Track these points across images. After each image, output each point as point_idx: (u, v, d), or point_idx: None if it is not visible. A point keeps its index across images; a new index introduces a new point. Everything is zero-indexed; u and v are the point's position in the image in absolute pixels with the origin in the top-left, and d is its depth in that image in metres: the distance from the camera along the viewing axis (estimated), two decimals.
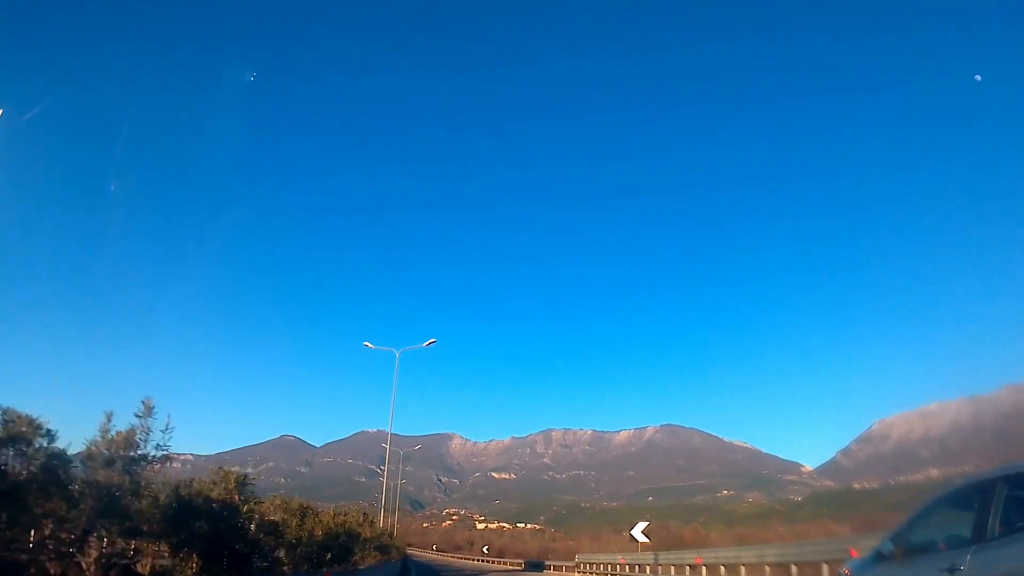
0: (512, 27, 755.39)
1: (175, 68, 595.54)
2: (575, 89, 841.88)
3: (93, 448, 7.82)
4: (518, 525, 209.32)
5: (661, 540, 48.25)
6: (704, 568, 27.86)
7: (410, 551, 77.49)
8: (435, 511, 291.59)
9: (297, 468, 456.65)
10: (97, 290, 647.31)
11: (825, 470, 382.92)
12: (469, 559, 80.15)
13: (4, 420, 6.83)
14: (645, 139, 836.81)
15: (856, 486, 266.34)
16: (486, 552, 75.86)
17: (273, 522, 13.01)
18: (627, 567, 37.99)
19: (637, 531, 37.87)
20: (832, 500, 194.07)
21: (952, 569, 5.11)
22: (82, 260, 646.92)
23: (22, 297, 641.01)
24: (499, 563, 69.09)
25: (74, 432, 7.51)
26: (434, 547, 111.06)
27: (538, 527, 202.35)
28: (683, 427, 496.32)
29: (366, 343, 43.37)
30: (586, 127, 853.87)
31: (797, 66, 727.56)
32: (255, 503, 11.87)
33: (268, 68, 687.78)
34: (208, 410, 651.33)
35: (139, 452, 8.30)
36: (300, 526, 14.90)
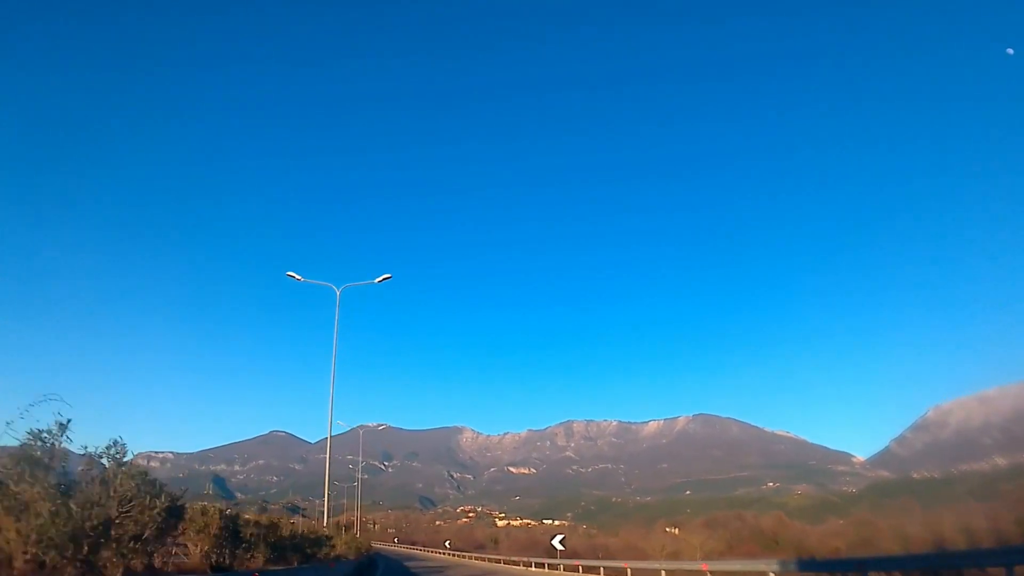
0: (508, 13, 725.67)
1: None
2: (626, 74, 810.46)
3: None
4: (544, 522, 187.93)
5: (736, 533, 37.22)
6: None
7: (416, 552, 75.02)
8: (448, 508, 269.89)
9: (291, 465, 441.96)
10: (63, 283, 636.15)
11: (879, 460, 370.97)
12: (514, 563, 50.72)
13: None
14: (680, 118, 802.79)
15: (916, 476, 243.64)
16: (558, 548, 45.14)
17: None
18: None
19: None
20: (893, 491, 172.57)
21: None
22: (53, 254, 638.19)
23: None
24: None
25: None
26: (447, 543, 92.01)
27: (567, 524, 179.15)
28: (718, 416, 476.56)
29: (291, 274, 34.03)
30: (621, 109, 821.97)
31: (833, 44, 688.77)
32: None
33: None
34: (191, 407, 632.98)
35: None
36: None
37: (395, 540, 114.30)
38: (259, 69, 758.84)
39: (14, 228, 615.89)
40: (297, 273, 33.46)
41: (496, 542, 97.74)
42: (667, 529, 59.88)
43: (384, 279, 35.68)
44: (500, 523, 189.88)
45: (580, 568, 35.37)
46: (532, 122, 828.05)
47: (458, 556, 72.45)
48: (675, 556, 31.73)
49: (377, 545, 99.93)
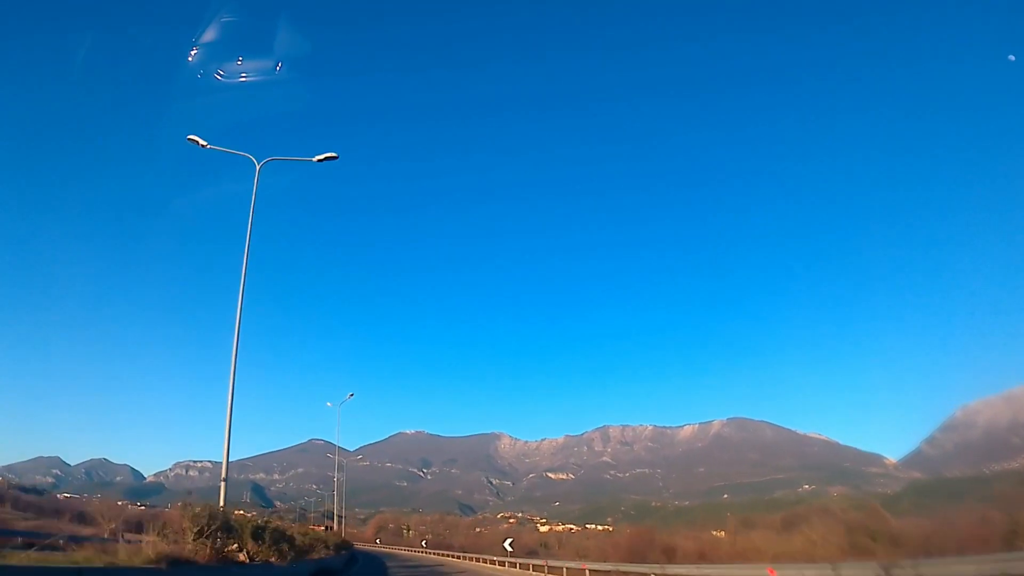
0: (506, 21, 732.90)
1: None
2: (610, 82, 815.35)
3: None
4: (587, 527, 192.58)
5: (828, 530, 28.84)
6: None
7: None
8: (488, 515, 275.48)
9: (330, 473, 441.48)
10: (108, 295, 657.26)
11: (911, 461, 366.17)
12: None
13: None
14: (704, 117, 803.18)
15: (948, 476, 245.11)
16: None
17: None
18: None
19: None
20: (930, 492, 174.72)
21: None
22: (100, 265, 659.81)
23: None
24: None
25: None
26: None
27: (610, 528, 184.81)
28: (752, 420, 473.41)
29: (192, 137, 27.09)
30: (624, 116, 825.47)
31: (834, 44, 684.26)
32: None
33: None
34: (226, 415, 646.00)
35: None
36: None
37: (424, 543, 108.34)
38: None
39: (67, 244, 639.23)
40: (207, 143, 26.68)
41: (547, 546, 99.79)
42: (713, 532, 55.20)
43: (324, 158, 28.82)
44: (542, 528, 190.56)
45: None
46: (580, 128, 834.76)
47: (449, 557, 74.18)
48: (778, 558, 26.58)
49: (397, 550, 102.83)
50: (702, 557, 35.43)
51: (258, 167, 27.68)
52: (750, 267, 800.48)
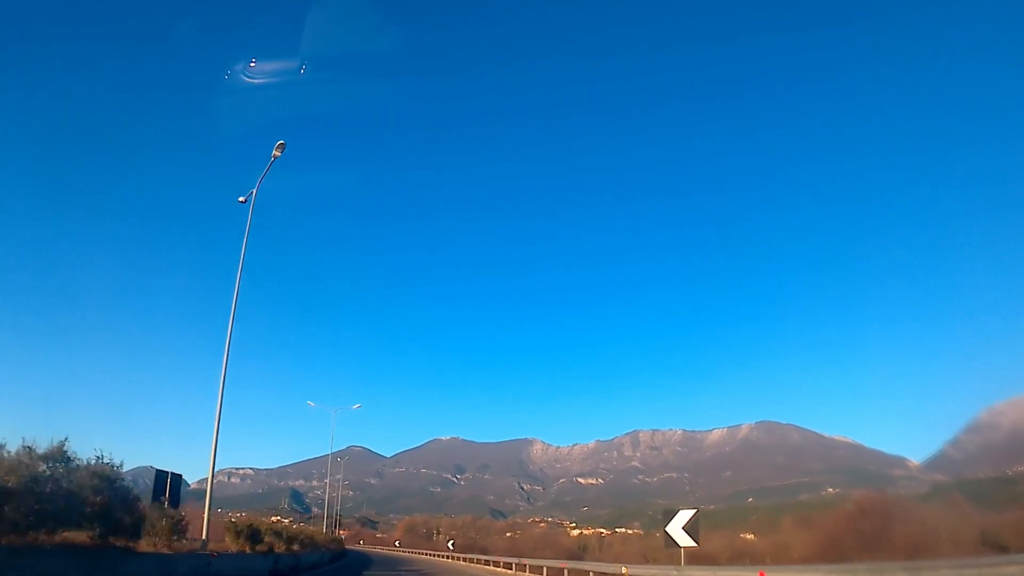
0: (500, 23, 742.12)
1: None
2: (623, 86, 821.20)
3: None
4: (617, 530, 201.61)
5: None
6: None
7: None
8: (519, 520, 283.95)
9: (366, 480, 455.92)
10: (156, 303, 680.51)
11: (933, 463, 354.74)
12: None
13: None
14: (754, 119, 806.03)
15: (970, 477, 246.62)
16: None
17: None
18: None
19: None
20: (956, 494, 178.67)
21: None
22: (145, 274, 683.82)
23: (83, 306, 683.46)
24: None
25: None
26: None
27: (641, 532, 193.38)
28: (779, 423, 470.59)
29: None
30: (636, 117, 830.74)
31: (836, 46, 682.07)
32: None
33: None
34: (270, 424, 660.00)
35: None
36: None
37: (450, 545, 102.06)
38: None
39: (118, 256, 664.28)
40: None
41: (585, 549, 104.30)
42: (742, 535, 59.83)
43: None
44: (573, 533, 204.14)
45: None
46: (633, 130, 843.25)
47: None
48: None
49: (414, 553, 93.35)
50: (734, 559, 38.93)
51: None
52: (780, 271, 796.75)
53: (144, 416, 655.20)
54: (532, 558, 47.13)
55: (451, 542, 49.90)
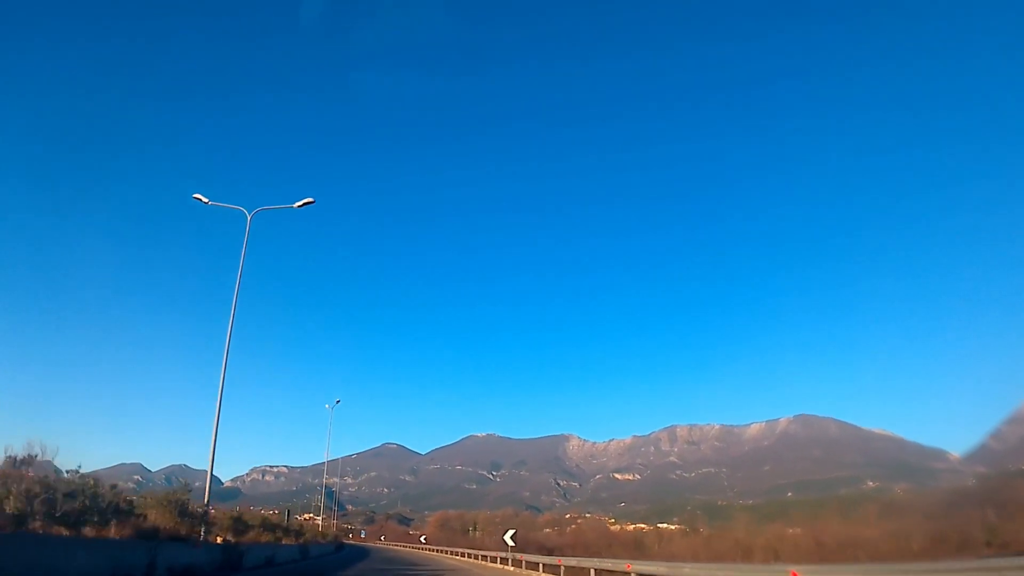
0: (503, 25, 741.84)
1: None
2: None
3: None
4: (659, 526, 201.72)
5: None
6: None
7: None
8: (555, 516, 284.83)
9: (401, 477, 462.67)
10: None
11: (975, 456, 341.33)
12: None
13: None
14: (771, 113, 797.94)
15: (1013, 469, 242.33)
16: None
17: None
18: None
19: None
20: (1003, 486, 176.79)
21: None
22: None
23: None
24: None
25: None
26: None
27: (685, 528, 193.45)
28: (818, 417, 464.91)
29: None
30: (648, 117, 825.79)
31: (836, 46, 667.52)
32: None
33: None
34: (304, 422, 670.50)
35: None
36: None
37: (508, 540, 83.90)
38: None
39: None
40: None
41: (641, 546, 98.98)
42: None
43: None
44: (613, 528, 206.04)
45: None
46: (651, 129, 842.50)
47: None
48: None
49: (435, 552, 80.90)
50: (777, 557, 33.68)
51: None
52: (819, 265, 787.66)
53: (180, 419, 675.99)
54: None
55: (510, 534, 41.66)
